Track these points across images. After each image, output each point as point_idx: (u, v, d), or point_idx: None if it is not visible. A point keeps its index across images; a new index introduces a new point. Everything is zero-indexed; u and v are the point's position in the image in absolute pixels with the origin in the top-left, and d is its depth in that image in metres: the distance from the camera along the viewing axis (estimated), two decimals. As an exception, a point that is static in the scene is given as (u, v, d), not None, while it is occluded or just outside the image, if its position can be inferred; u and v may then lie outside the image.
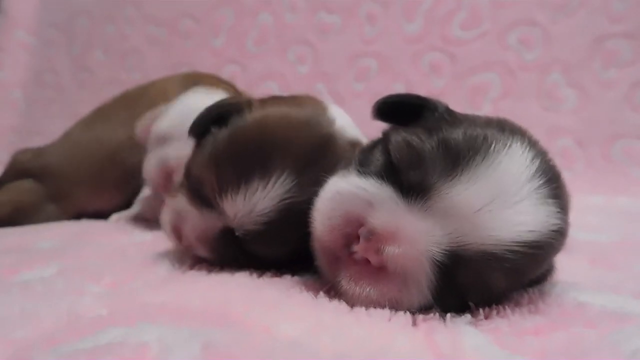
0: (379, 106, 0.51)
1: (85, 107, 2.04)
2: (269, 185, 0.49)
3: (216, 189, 0.51)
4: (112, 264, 0.58)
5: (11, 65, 2.10)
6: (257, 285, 0.47)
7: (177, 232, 0.55)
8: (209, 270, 0.53)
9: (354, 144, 0.56)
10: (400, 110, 0.49)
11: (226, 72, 1.86)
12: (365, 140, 0.58)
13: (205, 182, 0.52)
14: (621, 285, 0.47)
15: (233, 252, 0.53)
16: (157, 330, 0.33)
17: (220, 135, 0.54)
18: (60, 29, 2.14)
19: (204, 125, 0.57)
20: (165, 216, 0.57)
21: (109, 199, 1.16)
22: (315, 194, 0.49)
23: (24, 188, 1.13)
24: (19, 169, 1.17)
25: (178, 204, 0.55)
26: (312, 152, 0.52)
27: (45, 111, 2.08)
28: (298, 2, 1.81)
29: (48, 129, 2.01)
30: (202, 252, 0.55)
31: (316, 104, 0.60)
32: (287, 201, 0.50)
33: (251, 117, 0.55)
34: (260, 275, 0.52)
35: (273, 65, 1.81)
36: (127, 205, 1.17)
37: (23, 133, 2.02)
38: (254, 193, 0.49)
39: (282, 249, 0.53)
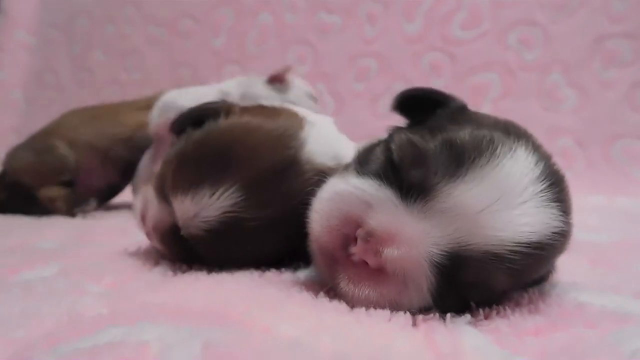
0: (400, 99, 0.51)
1: (85, 107, 2.05)
2: (216, 195, 0.50)
3: (171, 186, 0.53)
4: (113, 264, 0.58)
5: (11, 65, 2.11)
6: (257, 285, 0.47)
7: (143, 218, 0.58)
8: (209, 270, 0.53)
9: (321, 171, 0.54)
10: (418, 104, 0.49)
11: (226, 72, 1.86)
12: (344, 157, 0.57)
13: (166, 178, 0.54)
14: (621, 285, 0.47)
15: (181, 248, 0.55)
16: (157, 329, 0.33)
17: (191, 136, 0.56)
18: (60, 29, 2.14)
19: (184, 125, 0.59)
20: (136, 202, 0.60)
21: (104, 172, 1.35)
22: (265, 215, 0.50)
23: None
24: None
25: (147, 192, 0.58)
26: (269, 173, 0.52)
27: (45, 111, 2.08)
28: (298, 2, 1.81)
29: (48, 129, 2.02)
30: (156, 243, 0.57)
31: (294, 122, 0.58)
32: (230, 215, 0.50)
33: (222, 124, 0.56)
34: (260, 275, 0.52)
35: (273, 65, 1.81)
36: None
37: (23, 133, 2.01)
38: (200, 199, 0.50)
39: (224, 259, 0.54)
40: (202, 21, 1.94)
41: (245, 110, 0.61)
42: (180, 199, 0.52)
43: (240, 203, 0.50)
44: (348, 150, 0.61)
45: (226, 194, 0.50)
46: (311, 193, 0.50)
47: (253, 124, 0.56)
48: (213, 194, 0.50)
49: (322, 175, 0.54)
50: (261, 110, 0.62)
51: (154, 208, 0.55)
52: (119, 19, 2.06)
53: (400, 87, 0.52)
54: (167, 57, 1.98)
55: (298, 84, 1.33)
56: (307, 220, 0.45)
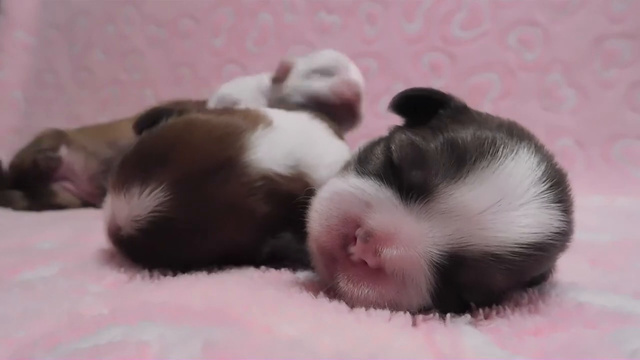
0: (398, 100, 0.50)
1: (85, 107, 2.05)
2: (144, 194, 0.49)
3: (111, 186, 0.53)
4: (113, 264, 0.58)
5: (11, 65, 2.11)
6: (257, 285, 0.47)
7: None
8: (209, 270, 0.53)
9: (266, 177, 0.52)
10: (417, 105, 0.49)
11: (226, 72, 1.86)
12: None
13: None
14: (621, 285, 0.47)
15: (127, 248, 0.54)
16: (158, 329, 0.33)
17: (140, 137, 0.56)
18: (60, 29, 2.14)
19: (143, 126, 0.59)
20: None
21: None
22: (193, 217, 0.49)
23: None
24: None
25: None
26: (200, 174, 0.50)
27: (45, 111, 2.08)
28: (298, 2, 1.81)
29: (48, 129, 2.02)
30: (112, 245, 0.56)
31: (246, 124, 0.55)
32: (157, 215, 0.49)
33: (168, 122, 0.55)
34: (260, 276, 0.52)
35: (273, 65, 1.80)
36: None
37: (23, 133, 2.01)
38: (131, 198, 0.50)
39: (161, 261, 0.53)
40: (202, 21, 1.94)
41: (201, 110, 0.60)
42: (117, 198, 0.51)
43: (167, 203, 0.49)
44: (326, 155, 0.59)
45: (154, 192, 0.49)
46: (251, 198, 0.50)
47: (195, 123, 0.54)
48: (142, 192, 0.49)
49: (267, 181, 0.52)
50: (219, 111, 0.60)
51: (107, 209, 0.55)
52: (119, 19, 2.06)
53: (400, 87, 0.52)
54: (167, 57, 1.98)
55: (297, 72, 1.14)
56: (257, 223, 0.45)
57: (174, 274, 0.52)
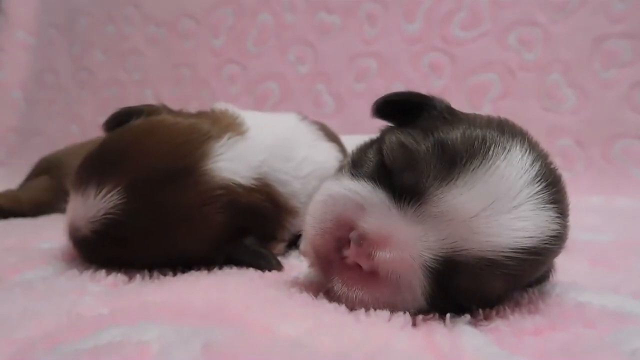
0: (379, 105, 0.49)
1: (85, 107, 2.05)
2: (100, 195, 0.49)
3: (71, 186, 0.52)
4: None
5: (11, 65, 2.10)
6: (257, 285, 0.47)
7: None
8: (210, 270, 0.53)
9: (224, 187, 0.52)
10: (400, 108, 0.48)
11: (226, 72, 1.86)
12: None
13: None
14: (621, 285, 0.47)
15: (84, 249, 0.54)
16: (158, 329, 0.33)
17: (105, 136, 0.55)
18: (60, 29, 2.14)
19: (112, 125, 0.59)
20: None
21: None
22: (145, 223, 0.49)
23: (41, 186, 1.20)
24: (39, 167, 1.26)
25: None
26: (157, 179, 0.50)
27: (45, 111, 2.08)
28: (298, 2, 1.81)
29: (48, 129, 2.01)
30: (72, 248, 0.55)
31: (213, 131, 0.55)
32: (110, 217, 0.49)
33: (134, 122, 0.55)
34: (260, 276, 0.52)
35: (273, 65, 1.81)
36: None
37: (23, 133, 2.02)
38: (88, 198, 0.50)
39: (113, 265, 0.52)
40: (202, 21, 1.94)
41: (172, 112, 0.59)
42: (75, 197, 0.51)
43: (120, 206, 0.49)
44: (303, 167, 0.59)
45: (109, 194, 0.49)
46: (207, 207, 0.50)
47: (158, 126, 0.54)
48: (98, 193, 0.49)
49: (226, 192, 0.51)
50: (191, 114, 0.60)
51: (67, 210, 0.54)
52: (119, 19, 2.06)
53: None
54: (167, 57, 1.98)
55: None
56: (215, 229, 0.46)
57: (174, 274, 0.53)
